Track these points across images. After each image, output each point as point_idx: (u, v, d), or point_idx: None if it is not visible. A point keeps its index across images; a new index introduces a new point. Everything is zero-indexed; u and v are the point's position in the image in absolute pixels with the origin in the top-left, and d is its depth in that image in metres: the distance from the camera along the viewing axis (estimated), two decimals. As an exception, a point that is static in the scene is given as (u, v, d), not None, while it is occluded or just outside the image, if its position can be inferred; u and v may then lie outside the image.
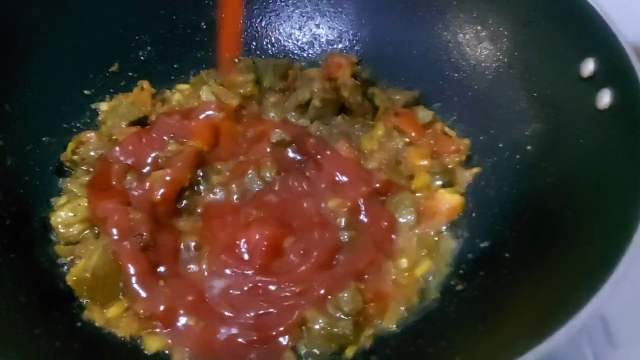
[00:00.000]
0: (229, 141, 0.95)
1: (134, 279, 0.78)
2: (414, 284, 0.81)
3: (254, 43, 1.07)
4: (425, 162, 0.91)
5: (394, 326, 0.78)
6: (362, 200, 0.86)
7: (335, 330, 0.75)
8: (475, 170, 0.91)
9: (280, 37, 1.08)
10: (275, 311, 0.78)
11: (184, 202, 0.88)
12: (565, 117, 0.80)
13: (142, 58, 1.03)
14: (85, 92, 0.98)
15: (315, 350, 0.76)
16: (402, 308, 0.80)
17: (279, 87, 1.02)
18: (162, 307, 0.77)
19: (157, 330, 0.77)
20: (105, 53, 1.00)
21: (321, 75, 0.99)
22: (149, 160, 0.90)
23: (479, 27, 0.95)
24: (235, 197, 0.89)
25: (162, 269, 0.81)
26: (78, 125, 0.97)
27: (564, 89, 0.81)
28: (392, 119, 0.96)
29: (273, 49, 1.08)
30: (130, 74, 1.02)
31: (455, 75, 0.97)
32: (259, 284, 0.80)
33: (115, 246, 0.79)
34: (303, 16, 1.08)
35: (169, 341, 0.77)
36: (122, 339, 0.77)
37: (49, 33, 0.94)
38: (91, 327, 0.78)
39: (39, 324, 0.73)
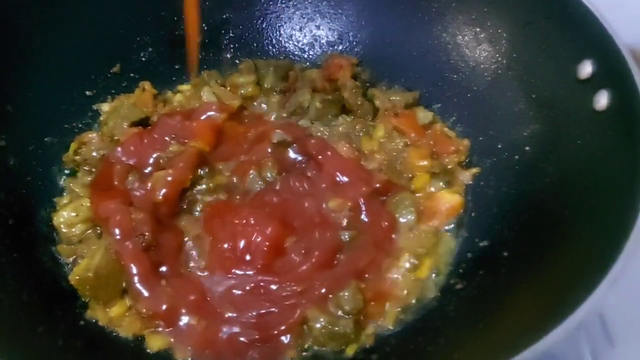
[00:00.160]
0: (230, 142, 0.95)
1: (136, 279, 0.78)
2: (414, 283, 0.82)
3: (255, 44, 1.07)
4: (425, 163, 0.92)
5: (394, 325, 0.79)
6: (362, 200, 0.87)
7: (336, 329, 0.76)
8: (475, 170, 0.92)
9: (280, 39, 1.08)
10: (276, 310, 0.78)
11: (186, 202, 0.88)
12: (563, 118, 0.80)
13: (143, 59, 1.03)
14: (87, 92, 0.99)
15: (317, 349, 0.76)
16: (402, 307, 0.80)
17: (279, 88, 1.02)
18: (164, 307, 0.77)
19: (160, 329, 0.78)
20: (106, 54, 1.00)
21: (322, 77, 1.00)
22: (151, 160, 0.90)
23: (477, 29, 0.95)
24: (236, 197, 0.90)
25: (164, 268, 0.82)
26: (80, 125, 0.97)
27: (562, 91, 0.81)
28: (392, 120, 0.96)
29: (274, 50, 1.08)
30: (131, 74, 1.02)
31: (455, 76, 0.98)
32: (261, 284, 0.80)
33: (118, 246, 0.80)
34: (303, 17, 1.08)
35: (172, 340, 0.77)
36: (125, 337, 0.78)
37: (51, 34, 0.94)
38: (94, 325, 0.78)
39: (41, 322, 0.73)
